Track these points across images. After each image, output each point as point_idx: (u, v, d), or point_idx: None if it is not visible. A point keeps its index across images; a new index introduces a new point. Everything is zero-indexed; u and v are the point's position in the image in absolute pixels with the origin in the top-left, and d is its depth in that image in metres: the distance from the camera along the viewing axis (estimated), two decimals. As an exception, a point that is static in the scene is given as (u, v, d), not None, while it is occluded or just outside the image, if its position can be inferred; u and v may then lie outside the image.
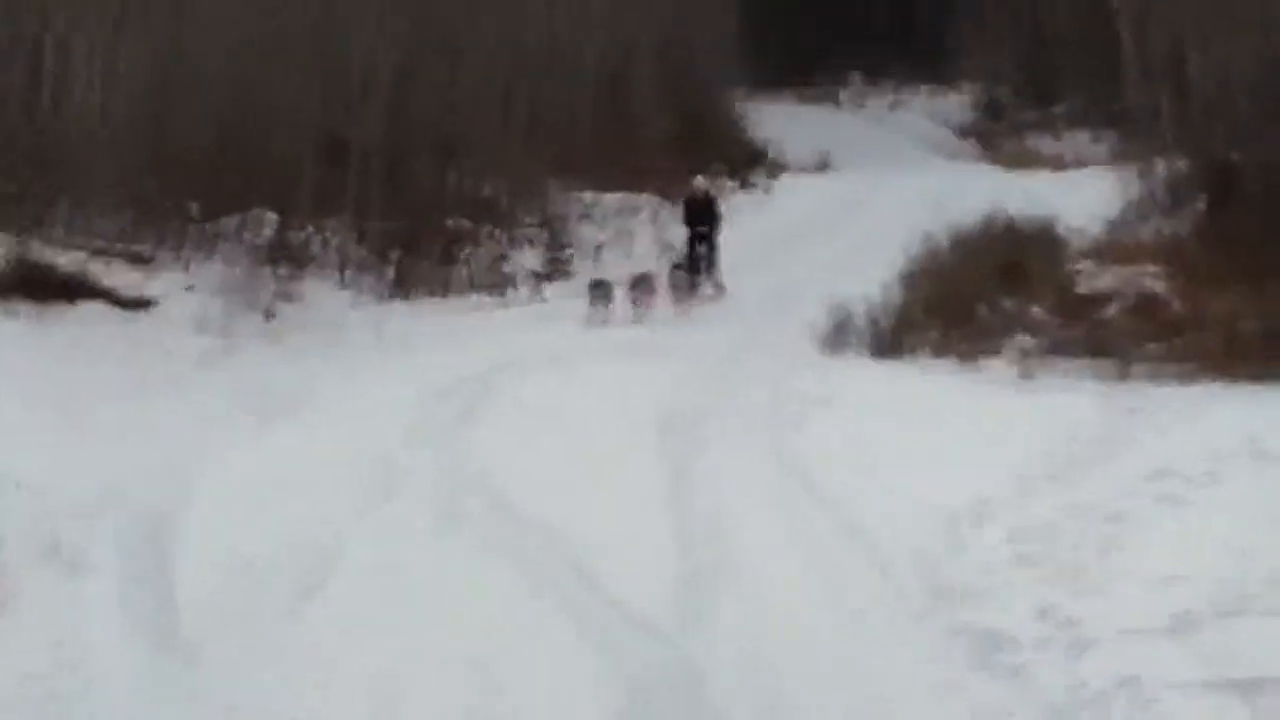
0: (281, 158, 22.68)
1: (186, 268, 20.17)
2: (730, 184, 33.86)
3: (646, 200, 29.03)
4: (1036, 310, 17.44)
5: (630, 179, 30.01)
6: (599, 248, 26.46)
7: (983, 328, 17.10)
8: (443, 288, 22.97)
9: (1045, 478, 11.00)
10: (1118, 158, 27.85)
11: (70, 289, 18.19)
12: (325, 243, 22.78)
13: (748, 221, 29.39)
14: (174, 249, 20.45)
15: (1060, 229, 20.92)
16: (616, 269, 23.18)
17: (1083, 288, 18.00)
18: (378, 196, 23.97)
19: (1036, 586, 8.73)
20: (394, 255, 23.22)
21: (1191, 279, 17.33)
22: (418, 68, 26.01)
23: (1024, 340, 15.98)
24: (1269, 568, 8.39)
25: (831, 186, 35.97)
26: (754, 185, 35.23)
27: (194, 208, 21.41)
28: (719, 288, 22.75)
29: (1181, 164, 21.59)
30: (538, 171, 27.88)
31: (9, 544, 9.82)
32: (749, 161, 37.23)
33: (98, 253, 19.30)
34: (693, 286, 22.09)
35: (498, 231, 25.95)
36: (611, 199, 29.29)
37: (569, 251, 25.98)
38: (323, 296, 21.22)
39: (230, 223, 21.82)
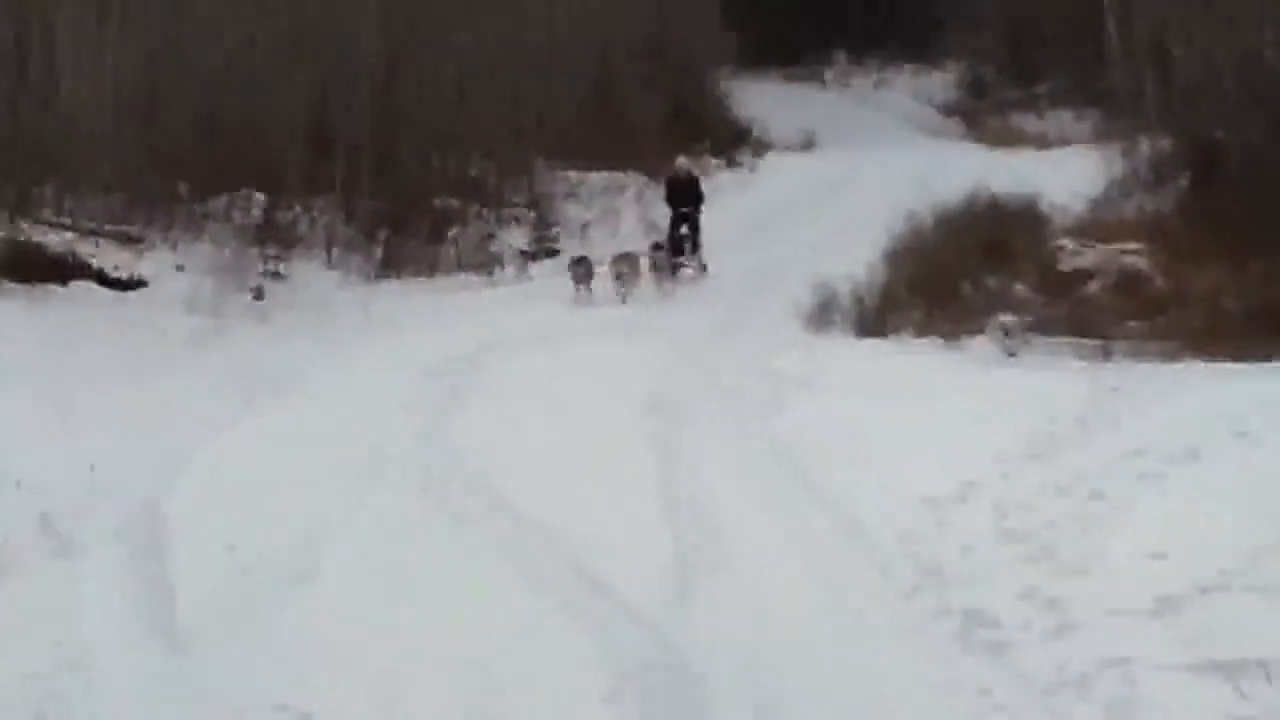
0: (269, 139, 22.68)
1: (175, 248, 20.19)
2: (715, 163, 33.89)
3: (632, 179, 29.00)
4: (1020, 288, 17.50)
5: (616, 158, 29.96)
6: (585, 226, 26.48)
7: (966, 306, 17.14)
8: (430, 267, 22.98)
9: (1028, 457, 11.02)
10: (1101, 136, 27.88)
11: (60, 269, 18.23)
12: (313, 223, 22.79)
13: (733, 200, 29.38)
14: (163, 229, 20.45)
15: (1043, 207, 20.99)
16: (603, 247, 23.19)
17: (1066, 266, 18.07)
18: (365, 177, 23.99)
19: (1020, 566, 8.77)
20: (382, 235, 23.25)
21: (1174, 257, 17.40)
22: (404, 51, 25.99)
23: (1007, 318, 16.02)
24: (1250, 546, 8.41)
25: (816, 165, 35.88)
26: (739, 164, 35.20)
27: (183, 188, 21.42)
28: (702, 268, 22.75)
29: (1164, 142, 21.66)
30: (524, 151, 27.87)
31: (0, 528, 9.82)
32: (734, 140, 37.20)
33: (87, 233, 19.34)
34: (675, 267, 22.09)
35: (485, 211, 25.96)
36: (598, 178, 29.28)
37: (556, 230, 26.02)
38: (311, 276, 21.25)
39: (219, 203, 21.82)
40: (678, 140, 30.12)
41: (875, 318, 17.30)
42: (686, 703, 7.46)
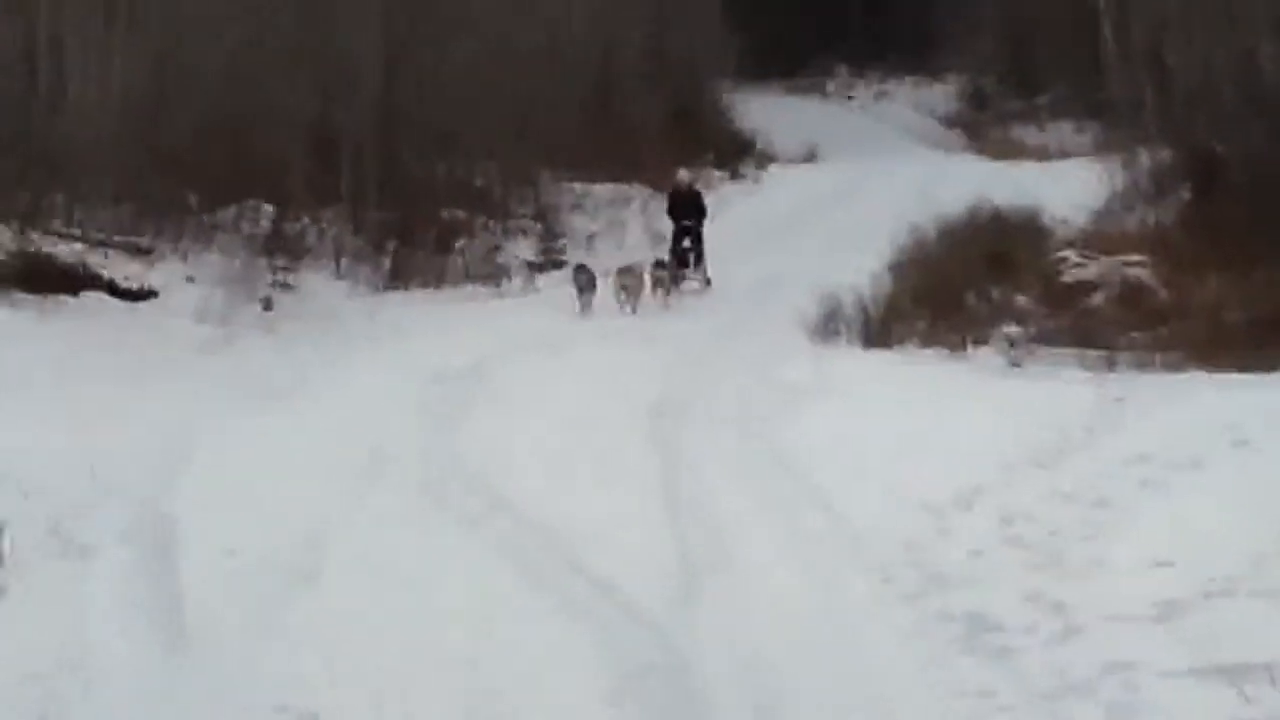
0: (275, 149, 22.75)
1: (185, 259, 20.28)
2: (719, 174, 33.98)
3: (637, 191, 29.09)
4: (1023, 300, 17.54)
5: (621, 170, 30.06)
6: (591, 238, 26.55)
7: (970, 317, 17.20)
8: (438, 278, 23.07)
9: (1032, 465, 11.06)
10: (1102, 148, 27.90)
11: (71, 280, 18.29)
12: (321, 234, 22.90)
13: (737, 212, 29.46)
14: (173, 240, 20.53)
15: (1046, 219, 21.05)
16: (609, 259, 23.25)
17: (1068, 277, 18.10)
18: (372, 188, 24.09)
19: (1024, 572, 8.79)
20: (389, 246, 23.33)
21: (1176, 268, 17.43)
22: (409, 61, 26.06)
23: (1012, 329, 16.09)
24: (1254, 552, 8.45)
25: (819, 177, 35.93)
26: (743, 176, 35.30)
27: (192, 199, 21.50)
28: (706, 282, 22.72)
29: (1165, 154, 21.65)
30: (530, 163, 27.93)
31: (9, 533, 9.85)
32: (737, 152, 37.29)
33: (97, 244, 19.40)
34: (677, 280, 22.07)
35: (492, 222, 26.05)
36: (603, 190, 29.36)
37: (562, 242, 26.09)
38: (319, 287, 21.35)
39: (228, 214, 21.93)
40: (681, 152, 30.23)
41: (880, 328, 17.33)
42: (687, 703, 7.49)
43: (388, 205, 24.17)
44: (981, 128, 45.67)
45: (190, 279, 19.64)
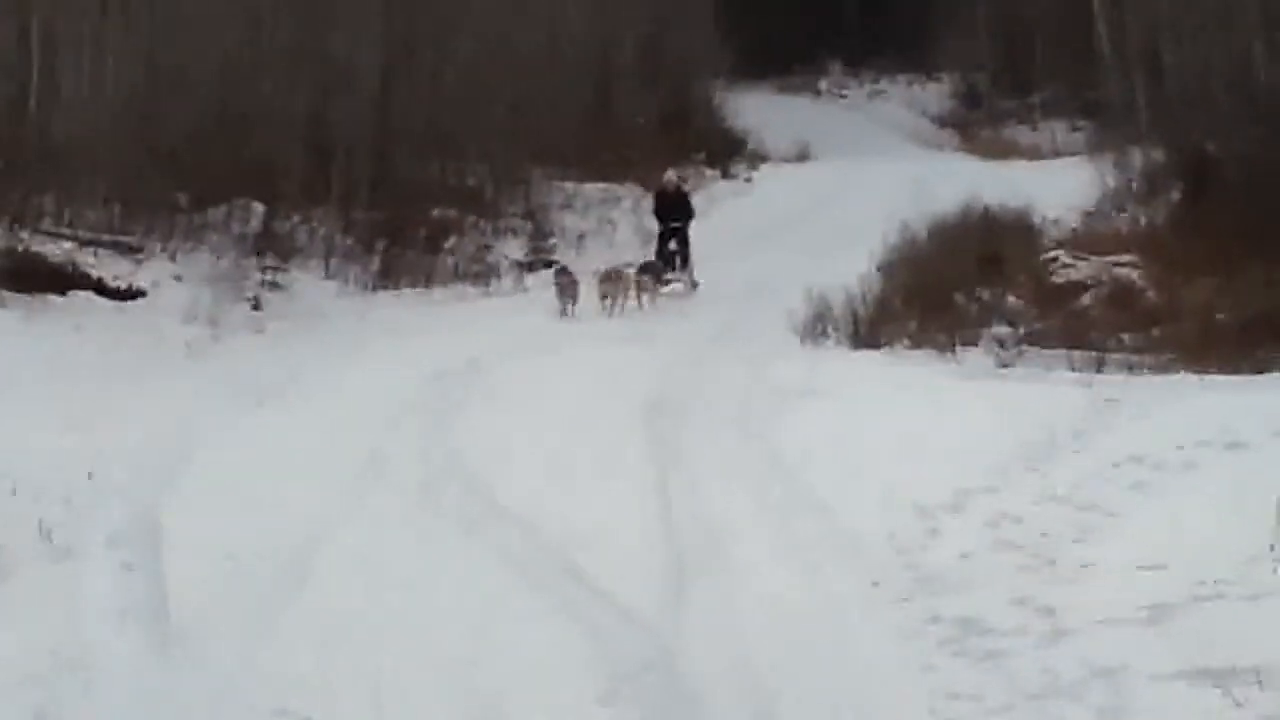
0: (267, 149, 22.75)
1: (174, 258, 20.25)
2: (711, 173, 34.00)
3: (628, 190, 29.10)
4: (1013, 300, 17.56)
5: (612, 169, 30.08)
6: (581, 237, 26.57)
7: (960, 318, 17.20)
8: (427, 278, 23.07)
9: (1023, 467, 11.05)
10: (1094, 148, 27.96)
11: (60, 279, 18.26)
12: (311, 233, 22.88)
13: (729, 211, 29.50)
14: (162, 239, 20.51)
15: (1037, 219, 21.09)
16: (599, 258, 23.25)
17: (1059, 278, 18.13)
18: (363, 187, 24.08)
19: (1014, 574, 8.80)
20: (379, 245, 23.31)
21: (1167, 269, 17.45)
22: (401, 60, 26.07)
23: (1001, 330, 16.10)
24: (1244, 555, 8.44)
25: (811, 176, 35.97)
26: (735, 175, 35.33)
27: (181, 198, 21.48)
28: (692, 285, 22.63)
29: (1157, 154, 21.71)
30: (521, 162, 27.94)
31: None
32: (729, 151, 37.32)
33: (87, 243, 19.38)
34: (662, 282, 21.99)
35: (482, 222, 26.06)
36: (593, 189, 29.38)
37: (552, 241, 26.09)
38: (309, 286, 21.35)
39: (217, 213, 21.90)
40: (673, 151, 30.25)
41: (869, 329, 17.31)
42: (682, 704, 7.49)
43: (378, 204, 24.18)
44: (975, 127, 45.75)
45: (179, 278, 19.62)
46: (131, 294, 18.84)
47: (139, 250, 19.98)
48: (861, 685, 7.56)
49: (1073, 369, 14.85)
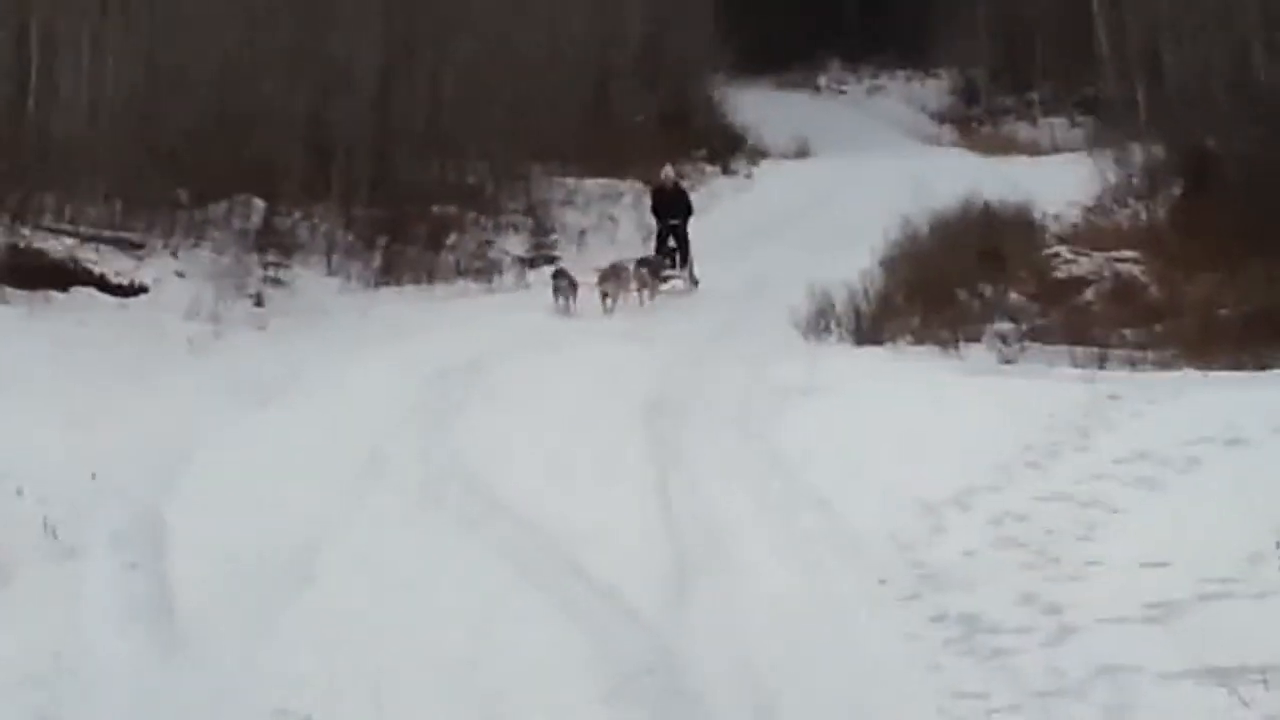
0: (267, 148, 22.74)
1: (176, 254, 20.25)
2: (711, 170, 34.03)
3: (629, 186, 29.09)
4: (1015, 296, 17.57)
5: (612, 165, 30.07)
6: (583, 233, 26.57)
7: (963, 313, 17.23)
8: (429, 274, 23.07)
9: (1026, 464, 11.04)
10: (1094, 144, 27.96)
11: (61, 276, 18.24)
12: (313, 229, 22.88)
13: (729, 207, 29.53)
14: (163, 235, 20.50)
15: (1038, 215, 21.09)
16: (601, 254, 23.24)
17: (1061, 273, 18.15)
18: (364, 183, 24.08)
19: (1018, 572, 8.78)
20: (381, 242, 23.31)
21: (1168, 265, 17.48)
22: (401, 60, 26.07)
23: (1004, 326, 16.10)
24: (1249, 552, 8.41)
25: (811, 172, 35.98)
26: (735, 171, 35.36)
27: (183, 194, 21.47)
28: (693, 282, 22.59)
29: (1157, 150, 21.71)
30: (522, 158, 27.94)
31: (1, 533, 9.83)
32: (729, 148, 37.33)
33: (88, 239, 19.37)
34: (661, 279, 21.94)
35: (483, 218, 26.07)
36: (594, 185, 29.38)
37: (554, 237, 26.09)
38: (310, 282, 21.35)
39: (219, 209, 21.90)
40: (673, 147, 30.24)
41: (872, 325, 17.32)
42: (684, 704, 7.48)
43: (379, 201, 24.19)
44: (974, 123, 45.76)
45: (181, 274, 19.62)
46: (133, 290, 18.84)
47: (140, 246, 19.97)
48: (866, 684, 7.55)
49: (1075, 365, 14.87)
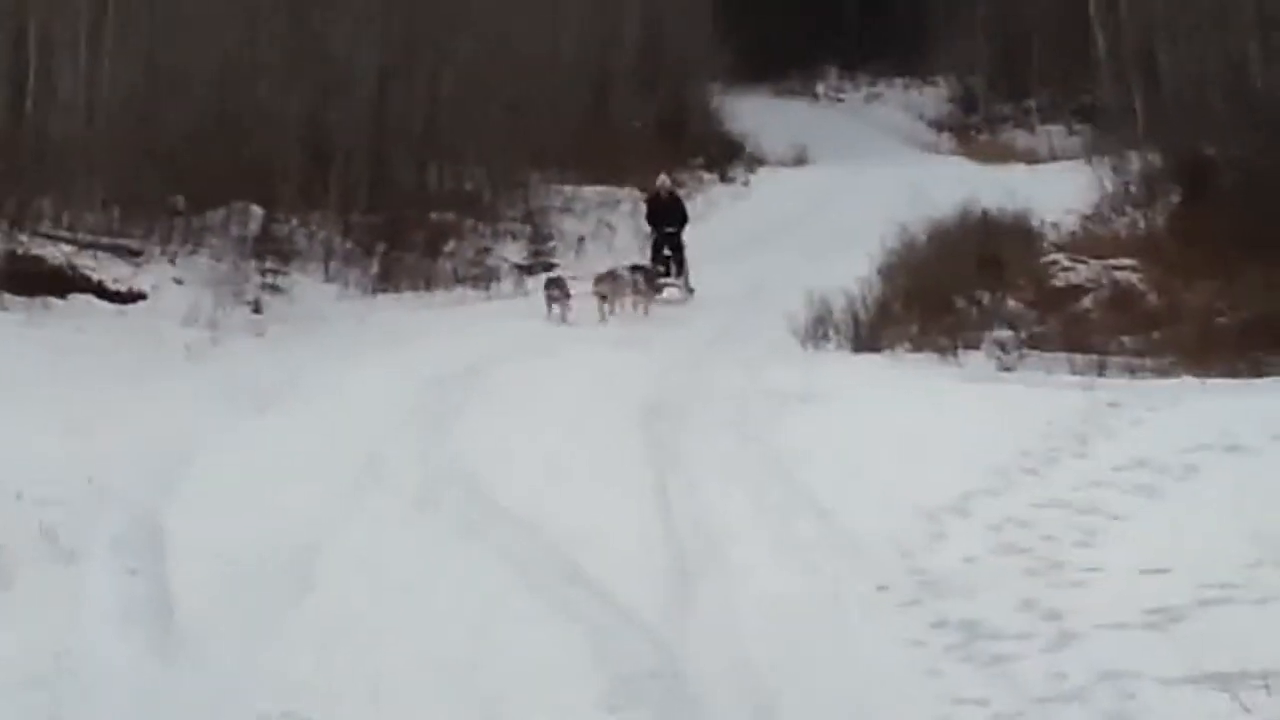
0: (266, 152, 22.76)
1: (174, 261, 20.28)
2: (709, 177, 34.08)
3: (627, 194, 29.13)
4: (1013, 303, 17.58)
5: (610, 173, 30.11)
6: (581, 240, 26.60)
7: (961, 321, 17.24)
8: (427, 281, 23.11)
9: (1024, 471, 11.04)
10: (1092, 151, 27.99)
11: (59, 282, 18.28)
12: (311, 236, 22.91)
13: (726, 215, 29.58)
14: (161, 242, 20.52)
15: (1035, 222, 21.11)
16: (599, 261, 23.25)
17: (1059, 281, 18.16)
18: (362, 190, 24.10)
19: (1018, 578, 8.76)
20: (379, 249, 23.34)
21: (1166, 272, 17.49)
22: (399, 63, 26.09)
23: (1002, 333, 16.11)
24: (1249, 559, 8.43)
25: (809, 179, 36.06)
26: (733, 179, 35.42)
27: (180, 201, 21.49)
28: (688, 291, 22.56)
29: (1155, 158, 21.72)
30: (519, 165, 27.97)
31: (0, 538, 9.81)
32: (727, 155, 37.44)
33: (86, 246, 19.38)
34: (657, 287, 21.89)
35: (481, 225, 26.10)
36: (592, 192, 29.44)
37: (552, 244, 26.12)
38: (308, 289, 21.38)
39: (216, 216, 21.92)
40: (671, 155, 30.31)
41: (870, 332, 17.35)
42: (684, 708, 7.47)
43: (377, 208, 24.21)
44: (971, 131, 45.87)
45: (179, 281, 19.65)
46: (131, 297, 18.85)
47: (139, 253, 20.00)
48: (867, 690, 7.53)
49: (1074, 372, 14.88)
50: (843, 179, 34.69)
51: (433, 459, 12.56)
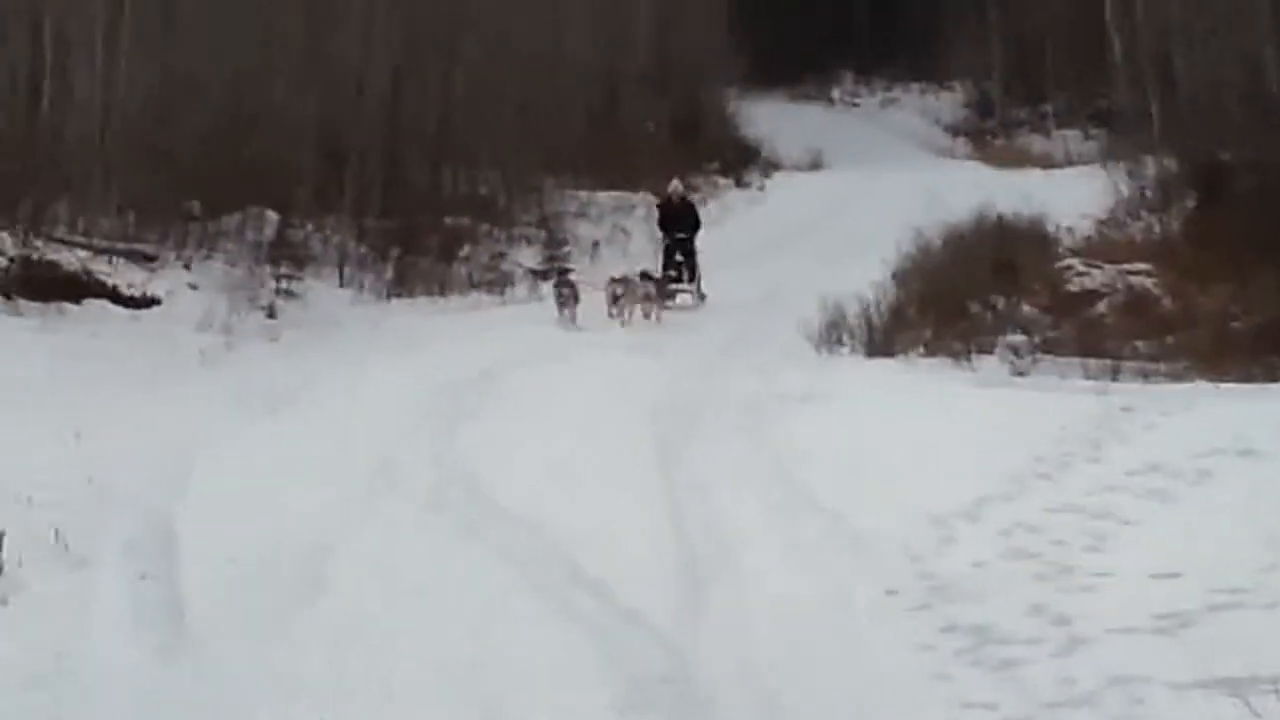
0: (281, 157, 22.81)
1: (189, 266, 20.33)
2: (724, 182, 34.09)
3: (641, 198, 29.14)
4: (1028, 308, 17.57)
5: (624, 177, 30.12)
6: (596, 245, 26.61)
7: (975, 326, 17.22)
8: (442, 286, 23.13)
9: (1037, 475, 11.02)
10: (1107, 156, 27.95)
11: (74, 288, 18.32)
12: (325, 241, 22.95)
13: (742, 220, 29.57)
14: (176, 247, 20.58)
15: (1050, 227, 21.08)
16: (614, 266, 23.26)
17: (1074, 286, 18.14)
18: (376, 195, 24.15)
19: (1029, 583, 8.75)
20: (393, 253, 23.38)
21: (1181, 277, 17.47)
22: (413, 68, 26.14)
23: (1016, 338, 16.08)
24: (1261, 564, 8.41)
25: (824, 184, 36.05)
26: (748, 183, 35.43)
27: (195, 206, 21.54)
28: (701, 297, 22.51)
29: (1171, 162, 21.71)
30: (533, 169, 28.00)
31: (12, 543, 9.83)
32: (743, 160, 37.43)
33: (101, 251, 19.43)
34: (671, 293, 21.82)
35: (496, 230, 26.13)
36: (606, 197, 29.46)
37: (566, 249, 26.13)
38: (323, 294, 21.43)
39: (231, 221, 21.98)
40: (686, 160, 30.31)
41: (884, 337, 17.33)
42: (694, 710, 7.49)
43: (392, 212, 24.25)
44: (987, 135, 45.82)
45: (194, 286, 19.69)
46: (146, 302, 18.89)
47: (153, 259, 20.05)
48: (877, 695, 7.53)
49: (1088, 377, 14.85)
50: (858, 184, 34.68)
51: (445, 463, 12.59)
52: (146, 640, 8.57)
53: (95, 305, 18.28)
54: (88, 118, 21.29)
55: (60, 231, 19.74)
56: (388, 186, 24.61)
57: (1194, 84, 22.04)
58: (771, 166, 37.96)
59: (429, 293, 22.80)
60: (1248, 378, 14.10)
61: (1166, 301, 17.18)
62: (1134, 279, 17.79)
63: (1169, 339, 16.03)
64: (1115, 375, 14.79)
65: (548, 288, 23.08)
